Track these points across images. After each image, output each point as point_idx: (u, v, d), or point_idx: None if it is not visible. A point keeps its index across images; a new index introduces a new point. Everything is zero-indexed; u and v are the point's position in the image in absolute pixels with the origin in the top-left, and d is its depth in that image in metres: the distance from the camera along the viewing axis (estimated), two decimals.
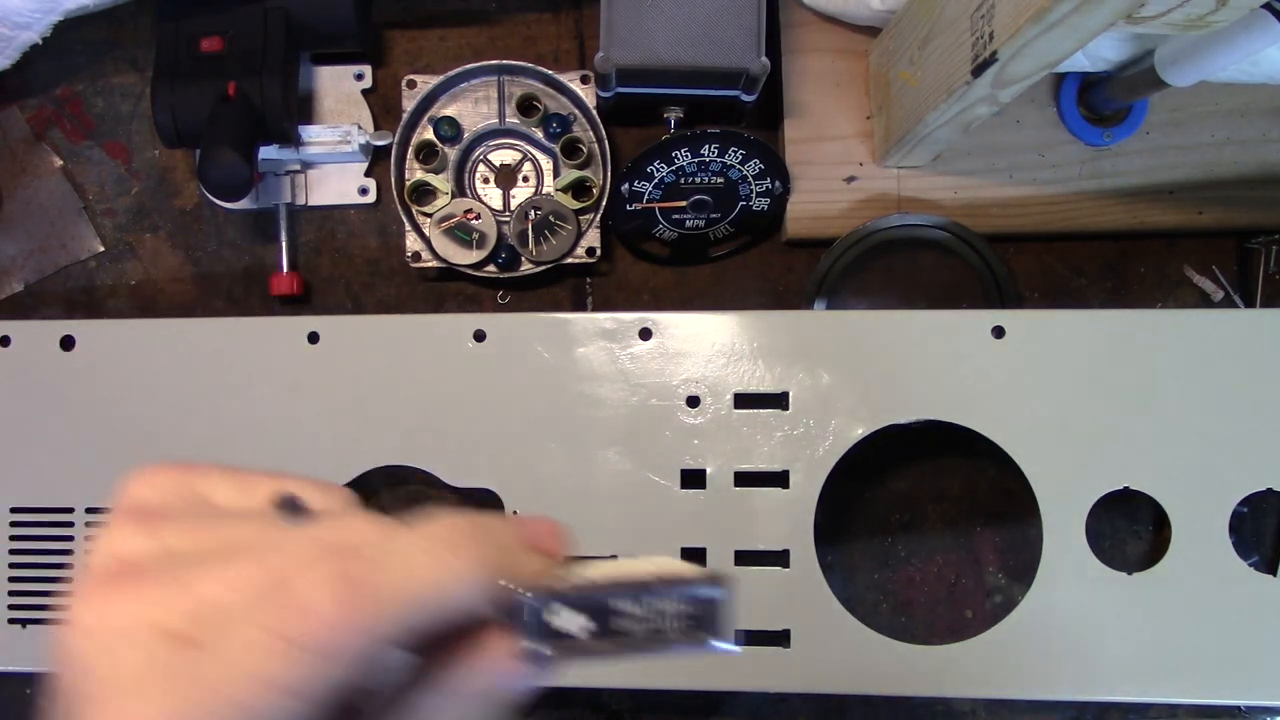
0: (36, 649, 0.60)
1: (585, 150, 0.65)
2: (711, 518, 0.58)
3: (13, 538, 0.60)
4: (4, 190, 0.69)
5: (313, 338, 0.60)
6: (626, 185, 0.63)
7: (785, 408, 0.58)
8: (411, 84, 0.65)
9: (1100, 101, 0.64)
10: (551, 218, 0.64)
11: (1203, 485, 0.56)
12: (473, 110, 0.66)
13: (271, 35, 0.62)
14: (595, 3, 0.59)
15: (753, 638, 0.57)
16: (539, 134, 0.66)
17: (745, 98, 0.63)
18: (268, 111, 0.61)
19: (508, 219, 0.66)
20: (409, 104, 0.65)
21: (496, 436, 0.59)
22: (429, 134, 0.66)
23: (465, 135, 0.66)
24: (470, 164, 0.67)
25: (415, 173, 0.66)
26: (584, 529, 0.58)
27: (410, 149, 0.66)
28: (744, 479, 0.58)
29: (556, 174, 0.67)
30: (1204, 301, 0.68)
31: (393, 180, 0.65)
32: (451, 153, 0.66)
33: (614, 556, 0.29)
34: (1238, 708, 0.63)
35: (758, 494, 0.58)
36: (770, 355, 0.59)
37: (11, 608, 0.60)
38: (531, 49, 0.69)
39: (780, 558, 0.57)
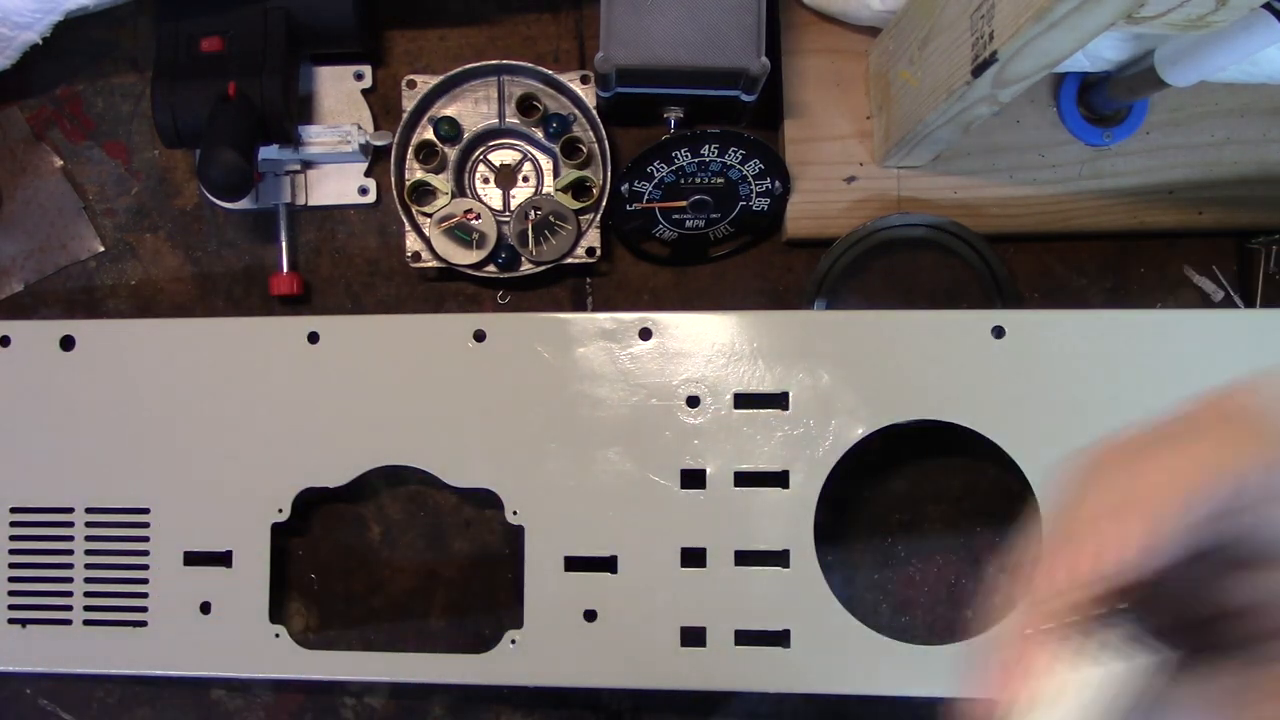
0: (36, 649, 0.60)
1: (585, 150, 0.65)
2: (711, 518, 0.58)
3: (13, 538, 0.60)
4: (4, 190, 0.69)
5: (313, 338, 0.60)
6: (626, 185, 0.63)
7: (785, 408, 0.58)
8: (411, 84, 0.65)
9: (1100, 101, 0.64)
10: (551, 218, 0.64)
11: None
12: (473, 110, 0.66)
13: (271, 35, 0.62)
14: (595, 3, 0.59)
15: (753, 638, 0.57)
16: (539, 134, 0.66)
17: (745, 98, 0.63)
18: (268, 111, 0.61)
19: (508, 219, 0.66)
20: (409, 104, 0.65)
21: (496, 436, 0.59)
22: (429, 134, 0.66)
23: (465, 135, 0.66)
24: (470, 164, 0.67)
25: (415, 173, 0.66)
26: (584, 529, 0.58)
27: (410, 149, 0.66)
28: (744, 479, 0.58)
29: (556, 174, 0.67)
30: (1204, 301, 0.68)
31: (393, 180, 0.65)
32: (451, 153, 0.66)
33: None
34: None
35: (758, 494, 0.58)
36: (770, 355, 0.59)
37: (11, 608, 0.60)
38: (531, 49, 0.69)
39: (780, 558, 0.57)
